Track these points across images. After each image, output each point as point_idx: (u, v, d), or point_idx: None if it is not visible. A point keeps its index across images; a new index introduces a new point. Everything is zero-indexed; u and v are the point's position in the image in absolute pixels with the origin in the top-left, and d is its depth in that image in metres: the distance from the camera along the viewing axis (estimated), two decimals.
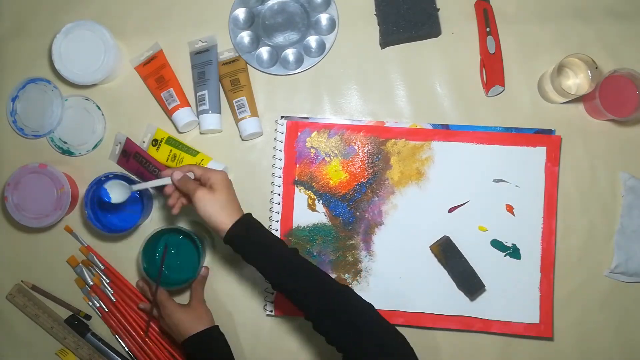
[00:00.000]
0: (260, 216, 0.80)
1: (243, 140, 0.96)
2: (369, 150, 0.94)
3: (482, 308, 0.91)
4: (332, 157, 0.94)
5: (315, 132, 0.94)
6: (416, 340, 0.73)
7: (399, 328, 0.72)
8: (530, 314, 0.91)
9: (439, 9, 0.94)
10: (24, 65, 0.99)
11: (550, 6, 0.96)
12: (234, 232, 0.75)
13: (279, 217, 0.94)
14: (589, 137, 0.94)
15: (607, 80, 0.89)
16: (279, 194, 0.94)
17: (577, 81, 0.92)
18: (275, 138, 0.95)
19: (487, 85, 0.94)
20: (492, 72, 0.93)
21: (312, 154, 0.94)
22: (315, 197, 0.94)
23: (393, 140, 0.94)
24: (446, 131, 0.93)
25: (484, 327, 0.91)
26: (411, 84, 0.96)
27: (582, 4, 0.95)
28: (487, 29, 0.94)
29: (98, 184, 0.90)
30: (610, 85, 0.89)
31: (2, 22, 1.00)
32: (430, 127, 0.93)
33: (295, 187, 0.94)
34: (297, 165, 0.94)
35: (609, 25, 0.95)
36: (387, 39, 0.95)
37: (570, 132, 0.94)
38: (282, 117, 0.95)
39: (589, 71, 0.90)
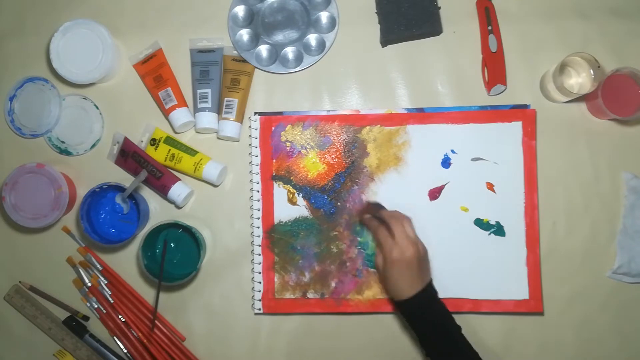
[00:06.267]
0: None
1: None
2: (344, 139, 0.93)
3: (470, 288, 0.91)
4: (308, 150, 0.94)
5: (289, 126, 0.94)
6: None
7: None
8: (519, 290, 0.90)
9: (440, 7, 0.94)
10: (22, 64, 0.98)
11: (552, 4, 0.95)
12: (414, 303, 0.79)
13: (259, 214, 0.93)
14: (591, 136, 0.93)
15: (609, 79, 0.88)
16: (258, 191, 0.93)
17: (580, 80, 0.92)
18: (250, 135, 0.94)
19: (489, 84, 0.93)
20: (494, 71, 0.93)
21: (288, 148, 0.94)
22: (294, 190, 0.93)
23: (368, 127, 0.93)
24: (421, 114, 0.93)
25: (474, 307, 0.91)
26: (412, 83, 0.95)
27: (584, 2, 0.95)
28: (489, 28, 0.93)
29: (92, 196, 0.90)
30: (612, 84, 0.89)
31: (0, 21, 0.99)
32: (405, 112, 0.93)
33: (274, 183, 0.93)
34: (274, 160, 0.93)
35: (611, 24, 0.94)
36: (388, 37, 0.94)
37: (572, 132, 0.93)
38: (255, 113, 0.94)
39: (591, 70, 0.89)
